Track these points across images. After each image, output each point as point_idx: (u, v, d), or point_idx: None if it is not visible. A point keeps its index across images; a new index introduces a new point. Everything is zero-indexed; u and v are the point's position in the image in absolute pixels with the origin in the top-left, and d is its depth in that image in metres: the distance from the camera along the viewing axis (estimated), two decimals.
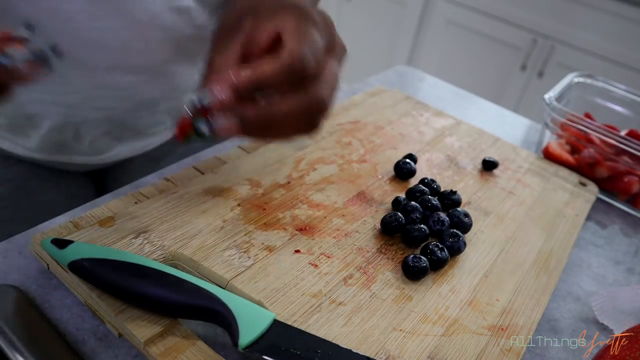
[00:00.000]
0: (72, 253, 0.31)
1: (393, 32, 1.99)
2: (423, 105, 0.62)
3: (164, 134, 0.56)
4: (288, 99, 0.31)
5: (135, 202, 0.39)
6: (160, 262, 0.34)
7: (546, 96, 0.56)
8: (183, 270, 0.33)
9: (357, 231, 0.40)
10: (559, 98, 0.58)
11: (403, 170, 0.46)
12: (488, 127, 0.65)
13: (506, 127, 0.66)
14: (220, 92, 0.30)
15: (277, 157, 0.47)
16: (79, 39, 0.40)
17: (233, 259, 0.35)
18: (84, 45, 0.41)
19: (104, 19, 0.41)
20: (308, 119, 0.33)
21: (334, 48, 0.35)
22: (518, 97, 1.72)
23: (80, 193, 0.53)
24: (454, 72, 1.88)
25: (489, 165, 0.51)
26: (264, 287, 0.34)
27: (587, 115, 0.61)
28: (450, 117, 0.61)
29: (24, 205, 0.50)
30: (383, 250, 0.39)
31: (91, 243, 0.34)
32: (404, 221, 0.39)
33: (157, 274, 0.31)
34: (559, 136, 0.58)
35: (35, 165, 0.52)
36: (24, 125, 0.47)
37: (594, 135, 0.54)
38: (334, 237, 0.39)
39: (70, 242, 0.32)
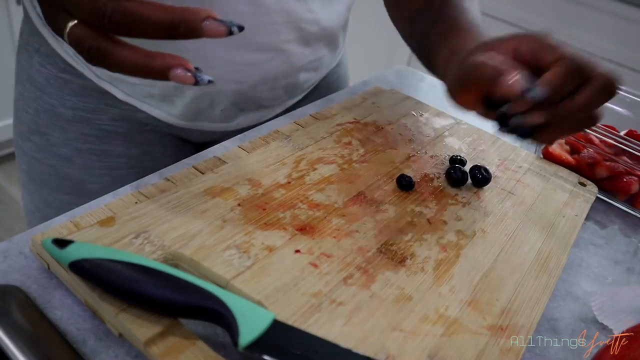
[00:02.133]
0: (72, 253, 0.31)
1: (393, 31, 1.99)
2: (423, 105, 0.62)
3: (279, 107, 0.64)
4: (582, 94, 0.38)
5: (136, 202, 0.39)
6: (161, 262, 0.34)
7: None
8: (183, 270, 0.33)
9: (357, 231, 0.40)
10: None
11: (402, 183, 0.46)
12: (487, 127, 0.65)
13: None
14: (544, 90, 0.37)
15: (277, 157, 0.47)
16: None
17: (233, 259, 0.35)
18: None
19: (240, 5, 0.49)
20: (599, 103, 0.40)
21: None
22: None
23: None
24: None
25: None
26: (264, 287, 0.34)
27: None
28: (450, 117, 0.61)
29: (146, 168, 0.59)
30: (383, 250, 0.39)
31: (92, 243, 0.34)
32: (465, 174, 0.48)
33: (157, 274, 0.31)
34: None
35: (162, 134, 0.60)
36: (172, 94, 0.55)
37: (593, 135, 0.55)
38: (334, 237, 0.39)
39: (70, 242, 0.32)
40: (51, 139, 0.58)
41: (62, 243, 0.32)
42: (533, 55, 0.40)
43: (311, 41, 0.59)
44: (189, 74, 0.31)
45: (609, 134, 0.52)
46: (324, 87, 0.69)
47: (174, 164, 0.47)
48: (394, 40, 2.11)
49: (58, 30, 0.33)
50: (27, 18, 0.57)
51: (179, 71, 0.31)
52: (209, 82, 0.32)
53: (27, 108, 0.58)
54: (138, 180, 0.44)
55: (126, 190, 0.42)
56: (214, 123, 0.59)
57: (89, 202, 0.45)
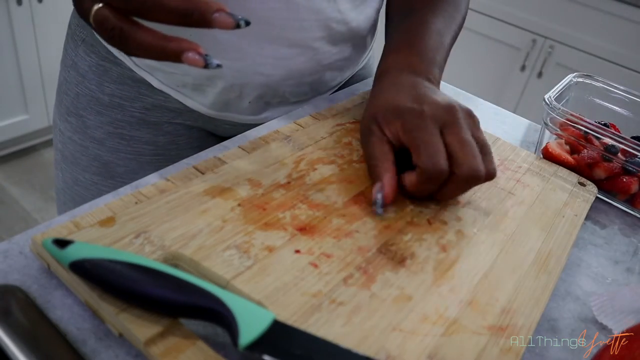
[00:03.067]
0: (73, 253, 0.31)
1: None
2: None
3: (303, 105, 0.65)
4: (444, 189, 0.44)
5: (136, 202, 0.39)
6: (161, 262, 0.34)
7: (546, 96, 0.57)
8: (183, 271, 0.34)
9: (357, 231, 0.40)
10: (558, 98, 0.58)
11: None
12: (487, 127, 0.65)
13: (505, 127, 0.67)
14: (388, 196, 0.43)
15: (277, 158, 0.47)
16: (253, 16, 0.49)
17: (233, 259, 0.35)
18: (256, 21, 0.50)
19: (272, 1, 0.52)
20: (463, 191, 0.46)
21: (456, 121, 0.44)
22: (517, 98, 1.72)
23: None
24: (454, 72, 1.88)
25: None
26: (264, 287, 0.34)
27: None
28: None
29: (171, 157, 0.64)
30: (383, 250, 0.39)
31: (92, 243, 0.34)
32: None
33: (157, 274, 0.31)
34: (559, 136, 0.58)
35: (190, 126, 0.64)
36: (204, 84, 0.58)
37: (592, 135, 0.55)
38: (334, 237, 0.39)
39: (71, 242, 0.32)
40: (87, 121, 0.62)
41: (62, 243, 0.32)
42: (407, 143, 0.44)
43: (338, 41, 0.61)
44: (199, 57, 0.34)
45: (607, 134, 0.53)
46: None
47: (174, 164, 0.47)
48: None
49: (84, 12, 0.35)
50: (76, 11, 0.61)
51: (191, 54, 0.34)
52: (217, 65, 0.34)
53: (69, 91, 0.63)
54: (138, 181, 0.44)
55: (126, 190, 0.42)
56: (241, 115, 0.62)
57: (114, 183, 0.45)
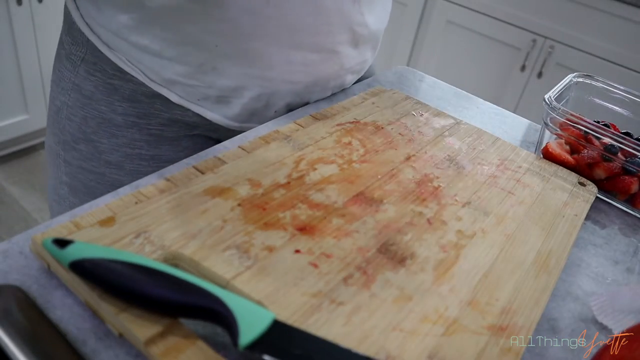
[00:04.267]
0: (73, 253, 0.31)
1: (393, 31, 1.99)
2: (423, 105, 0.63)
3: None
4: None
5: (136, 202, 0.39)
6: (161, 262, 0.34)
7: (546, 96, 0.57)
8: (183, 270, 0.34)
9: (357, 231, 0.40)
10: (558, 98, 0.58)
11: None
12: (487, 127, 0.65)
13: (505, 127, 0.67)
14: None
15: (277, 157, 0.47)
16: (284, 23, 0.51)
17: (233, 259, 0.35)
18: (287, 28, 0.52)
19: (301, 6, 0.51)
20: None
21: None
22: (517, 98, 1.72)
23: None
24: (454, 73, 1.88)
25: None
26: (264, 287, 0.34)
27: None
28: (450, 117, 0.61)
29: None
30: (383, 250, 0.39)
31: (92, 243, 0.34)
32: None
33: (157, 274, 0.31)
34: (559, 136, 0.58)
35: (209, 138, 0.62)
36: (230, 95, 0.56)
37: (592, 136, 0.55)
38: (334, 237, 0.39)
39: (71, 242, 0.32)
40: (100, 146, 0.58)
41: (62, 243, 0.32)
42: None
43: (360, 43, 0.61)
44: None
45: (606, 134, 0.53)
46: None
47: (174, 164, 0.47)
48: (394, 39, 2.12)
49: None
50: (70, 29, 0.57)
51: None
52: None
53: (72, 117, 0.58)
54: (137, 181, 0.44)
55: (126, 190, 0.42)
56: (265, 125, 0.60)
57: None
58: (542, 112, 0.58)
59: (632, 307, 0.41)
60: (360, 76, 0.68)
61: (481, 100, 0.72)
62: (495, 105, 0.72)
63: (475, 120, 0.66)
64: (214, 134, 0.61)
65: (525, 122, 0.69)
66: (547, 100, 0.56)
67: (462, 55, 1.84)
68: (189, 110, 0.57)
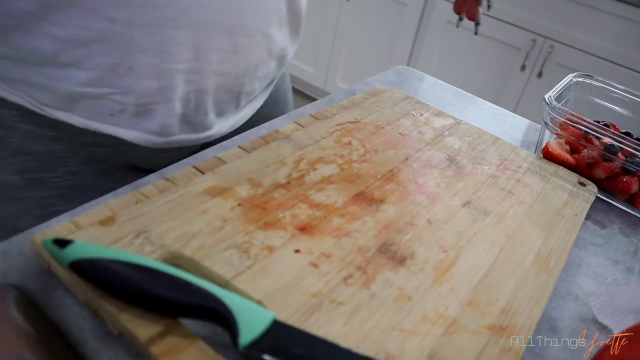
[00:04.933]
0: (72, 253, 0.31)
1: (393, 31, 1.99)
2: (423, 105, 0.62)
3: (249, 109, 0.61)
4: None
5: (136, 202, 0.39)
6: (161, 262, 0.34)
7: (546, 96, 0.57)
8: (183, 270, 0.33)
9: (357, 231, 0.40)
10: (558, 98, 0.58)
11: None
12: (487, 127, 0.65)
13: (505, 127, 0.67)
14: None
15: (277, 157, 0.47)
16: (211, 4, 0.45)
17: (233, 259, 0.35)
18: (213, 8, 0.46)
19: None
20: None
21: None
22: (517, 97, 1.72)
23: None
24: (454, 72, 1.88)
25: None
26: (264, 287, 0.34)
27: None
28: (450, 117, 0.61)
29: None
30: (383, 250, 0.39)
31: (92, 242, 0.34)
32: None
33: (157, 274, 0.31)
34: (559, 136, 0.58)
35: (128, 169, 0.53)
36: (153, 102, 0.47)
37: (592, 135, 0.55)
38: (334, 237, 0.39)
39: (71, 242, 0.32)
40: (2, 214, 0.50)
41: (62, 243, 0.32)
42: None
43: (283, 24, 0.56)
44: None
45: (607, 133, 0.53)
46: (271, 105, 0.68)
47: (173, 164, 0.47)
48: (394, 39, 2.11)
49: None
50: None
51: None
52: None
53: None
54: (138, 180, 0.44)
55: (126, 190, 0.42)
56: (193, 134, 0.53)
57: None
58: (542, 112, 0.58)
59: (632, 307, 0.41)
60: (283, 65, 0.62)
61: (481, 99, 0.72)
62: (495, 105, 0.72)
63: (475, 120, 0.66)
64: (139, 162, 0.53)
65: (525, 121, 0.69)
66: (547, 100, 0.56)
67: (462, 55, 1.84)
68: (99, 134, 0.48)
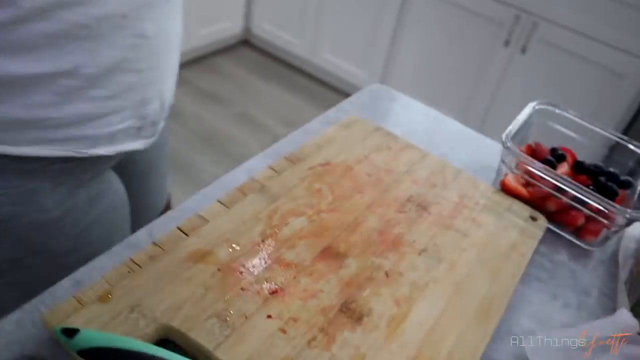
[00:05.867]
0: (79, 342, 0.37)
1: (376, 8, 1.99)
2: (392, 138, 0.67)
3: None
4: None
5: (129, 272, 0.45)
6: (154, 334, 0.40)
7: (503, 135, 0.61)
8: (175, 341, 0.40)
9: (321, 290, 0.46)
10: (522, 127, 0.63)
11: None
12: (454, 150, 0.70)
13: (469, 150, 0.71)
14: None
15: (252, 213, 0.52)
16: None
17: (214, 329, 0.41)
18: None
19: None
20: None
21: None
22: (501, 74, 1.74)
23: None
24: (437, 49, 1.89)
25: None
26: (240, 355, 0.40)
27: (537, 145, 0.66)
28: (416, 149, 0.66)
29: None
30: (343, 309, 0.45)
31: (94, 320, 0.40)
32: None
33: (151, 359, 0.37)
34: (514, 172, 0.63)
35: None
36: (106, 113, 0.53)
37: (536, 174, 0.59)
38: (301, 299, 0.45)
39: (77, 330, 0.38)
40: None
41: (69, 332, 0.38)
42: None
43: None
44: None
45: (549, 175, 0.58)
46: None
47: (160, 219, 0.52)
48: (378, 17, 2.09)
49: None
50: None
51: None
52: None
53: None
54: (129, 238, 0.50)
55: (119, 249, 0.48)
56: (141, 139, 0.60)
57: None
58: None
59: (562, 347, 0.47)
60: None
61: (450, 119, 0.77)
62: (463, 126, 0.76)
63: (444, 144, 0.71)
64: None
65: (489, 142, 0.74)
66: (503, 139, 0.61)
67: (444, 30, 1.85)
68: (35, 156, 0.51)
